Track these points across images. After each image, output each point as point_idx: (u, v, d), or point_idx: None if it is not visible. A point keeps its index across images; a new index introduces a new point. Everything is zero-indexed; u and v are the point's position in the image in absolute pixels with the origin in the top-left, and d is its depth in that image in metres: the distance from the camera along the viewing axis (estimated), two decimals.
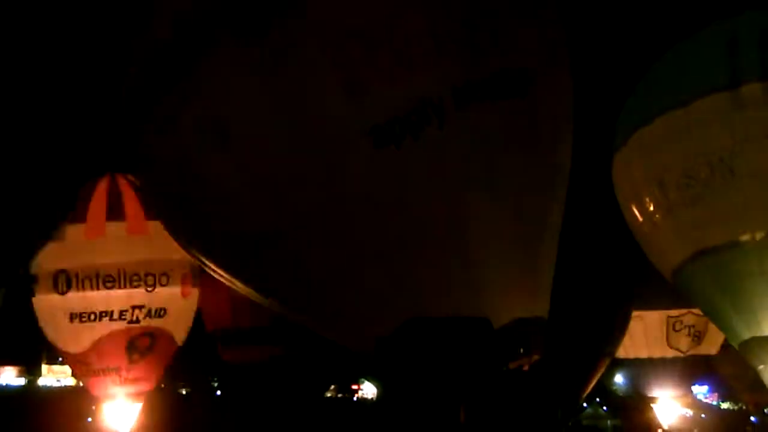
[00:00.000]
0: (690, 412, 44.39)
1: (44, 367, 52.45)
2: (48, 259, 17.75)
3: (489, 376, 9.01)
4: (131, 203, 17.73)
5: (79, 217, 17.90)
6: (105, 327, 17.71)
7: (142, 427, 19.53)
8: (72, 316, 17.66)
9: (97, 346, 17.81)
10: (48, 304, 17.97)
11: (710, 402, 50.05)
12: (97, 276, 17.53)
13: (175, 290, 18.17)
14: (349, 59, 8.52)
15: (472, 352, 8.87)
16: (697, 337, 21.65)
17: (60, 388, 49.31)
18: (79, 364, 18.70)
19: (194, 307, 19.07)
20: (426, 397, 8.99)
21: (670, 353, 21.98)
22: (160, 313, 18.07)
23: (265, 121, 8.76)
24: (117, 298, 17.64)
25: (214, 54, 8.95)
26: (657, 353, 22.09)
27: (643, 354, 22.24)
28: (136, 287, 17.68)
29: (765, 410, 32.22)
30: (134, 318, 17.85)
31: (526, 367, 9.35)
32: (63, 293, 17.63)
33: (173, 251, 13.38)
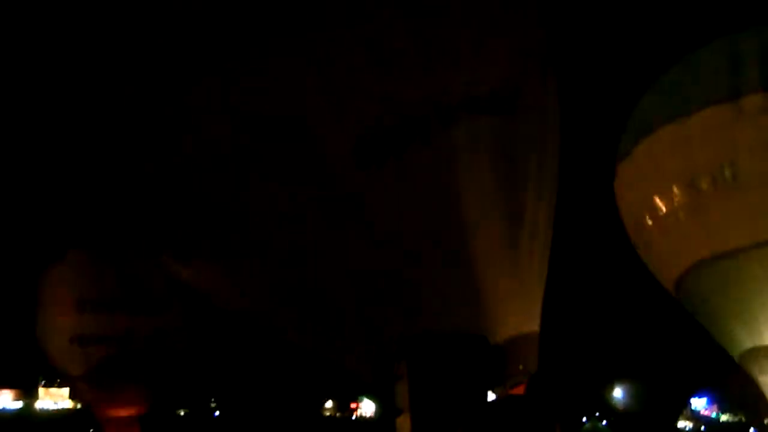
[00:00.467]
0: (689, 425, 44.31)
1: (41, 390, 52.22)
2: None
3: (487, 392, 9.02)
4: None
5: None
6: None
7: None
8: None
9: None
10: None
11: (709, 414, 49.94)
12: None
13: None
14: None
15: (471, 369, 8.86)
16: None
17: (57, 410, 49.12)
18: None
19: None
20: (428, 413, 8.98)
21: None
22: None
23: None
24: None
25: None
26: None
27: None
28: None
29: (765, 421, 32.20)
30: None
31: (522, 389, 9.37)
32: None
33: None
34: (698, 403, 46.10)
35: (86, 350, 17.42)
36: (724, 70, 12.61)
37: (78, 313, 17.31)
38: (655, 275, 14.40)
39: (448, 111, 8.61)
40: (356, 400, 49.17)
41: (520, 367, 9.39)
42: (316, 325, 9.69)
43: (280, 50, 8.54)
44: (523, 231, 9.42)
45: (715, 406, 49.48)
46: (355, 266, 8.99)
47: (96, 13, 9.01)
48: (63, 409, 48.62)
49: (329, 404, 49.75)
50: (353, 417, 49.99)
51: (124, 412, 18.27)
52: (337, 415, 50.25)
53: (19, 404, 51.99)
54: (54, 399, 51.57)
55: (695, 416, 45.75)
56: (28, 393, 52.28)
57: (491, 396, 9.21)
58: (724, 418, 49.72)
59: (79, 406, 42.52)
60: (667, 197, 13.05)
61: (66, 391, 48.22)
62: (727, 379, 25.37)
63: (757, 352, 12.91)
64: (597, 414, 44.88)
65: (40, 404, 51.92)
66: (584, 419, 38.79)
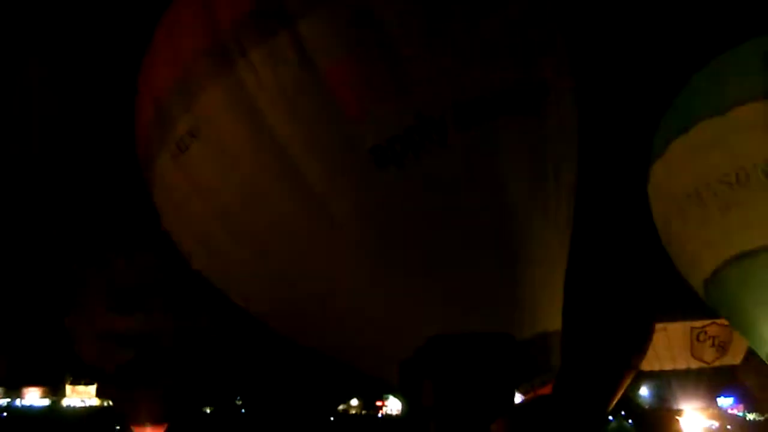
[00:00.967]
0: (716, 424, 44.07)
1: (68, 388, 52.62)
2: None
3: (514, 391, 9.02)
4: None
5: None
6: None
7: None
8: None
9: None
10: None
11: (736, 413, 49.59)
12: None
13: None
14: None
15: (497, 368, 8.86)
16: (722, 347, 21.58)
17: (84, 408, 49.50)
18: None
19: None
20: (452, 414, 8.99)
21: (695, 364, 21.88)
22: None
23: None
24: None
25: None
26: (682, 365, 22.00)
27: (668, 366, 22.15)
28: None
29: None
30: None
31: (549, 389, 9.37)
32: None
33: None
34: (725, 402, 45.81)
35: (118, 348, 17.53)
36: (758, 69, 12.62)
37: (112, 311, 17.42)
38: (684, 275, 14.37)
39: (466, 110, 8.60)
40: (382, 398, 49.19)
41: (546, 365, 9.40)
42: (335, 329, 9.68)
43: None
44: (545, 231, 9.41)
45: (741, 405, 49.16)
46: (374, 267, 8.99)
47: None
48: (90, 406, 49.00)
49: (355, 402, 49.79)
50: (379, 415, 50.02)
51: (150, 412, 18.41)
52: (363, 413, 50.29)
53: (47, 402, 52.39)
54: (81, 396, 51.92)
55: (722, 414, 45.48)
56: (55, 390, 52.66)
57: (518, 395, 9.22)
58: (750, 416, 49.39)
59: (106, 404, 42.87)
60: (699, 196, 13.05)
61: (93, 388, 48.55)
62: (755, 378, 25.23)
63: None
64: (623, 413, 44.69)
65: (67, 402, 52.29)
66: (610, 418, 38.62)
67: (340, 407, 47.99)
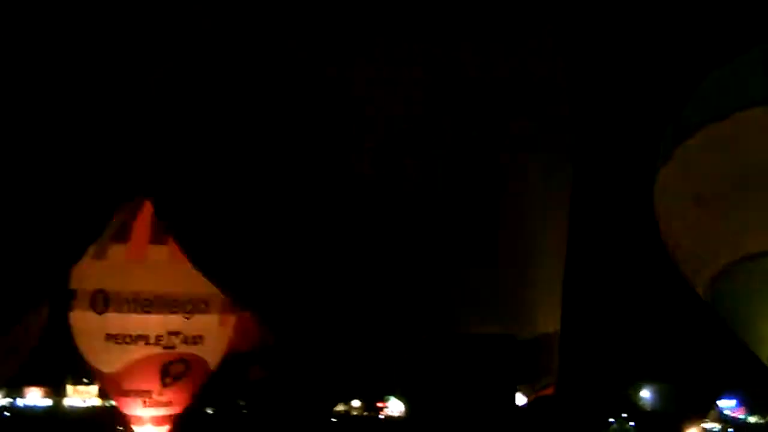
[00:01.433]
0: (717, 427, 44.01)
1: (69, 388, 52.64)
2: (87, 277, 17.63)
3: (516, 393, 9.05)
4: None
5: (122, 237, 17.79)
6: (140, 350, 17.72)
7: None
8: (107, 336, 17.78)
9: (130, 368, 17.90)
10: (84, 322, 18.06)
11: (737, 416, 49.61)
12: (136, 299, 17.52)
13: (213, 318, 18.06)
14: None
15: (499, 369, 8.89)
16: None
17: (86, 408, 49.53)
18: (110, 383, 18.75)
19: (230, 334, 18.88)
20: (456, 414, 9.01)
21: None
22: (197, 340, 18.00)
23: None
24: (154, 322, 17.61)
25: None
26: None
27: None
28: (174, 313, 17.63)
29: None
30: (170, 344, 17.84)
31: (551, 391, 9.40)
32: (100, 313, 17.70)
33: None
34: (726, 405, 45.82)
35: (122, 348, 17.53)
36: (759, 74, 12.72)
37: (114, 311, 17.41)
38: (687, 278, 14.40)
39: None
40: (383, 399, 49.14)
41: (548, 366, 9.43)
42: (342, 325, 9.73)
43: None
44: (543, 229, 9.46)
45: (743, 408, 49.16)
46: (381, 265, 9.04)
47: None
48: (92, 406, 49.01)
49: (356, 403, 49.73)
50: (381, 416, 49.97)
51: (157, 413, 18.43)
52: (365, 414, 50.24)
53: (48, 402, 52.43)
54: (82, 396, 51.92)
55: (723, 418, 45.45)
56: (56, 390, 52.70)
57: (519, 397, 9.24)
58: (752, 419, 49.40)
59: (107, 404, 42.85)
60: (704, 198, 13.10)
61: (94, 388, 48.51)
62: (756, 380, 25.25)
63: None
64: (624, 415, 44.73)
65: (68, 402, 52.32)
66: (611, 420, 38.69)
67: (342, 408, 47.95)
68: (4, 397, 50.54)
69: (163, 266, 17.49)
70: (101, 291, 17.62)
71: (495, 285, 8.86)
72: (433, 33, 8.63)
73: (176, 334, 17.71)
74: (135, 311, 17.50)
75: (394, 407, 50.52)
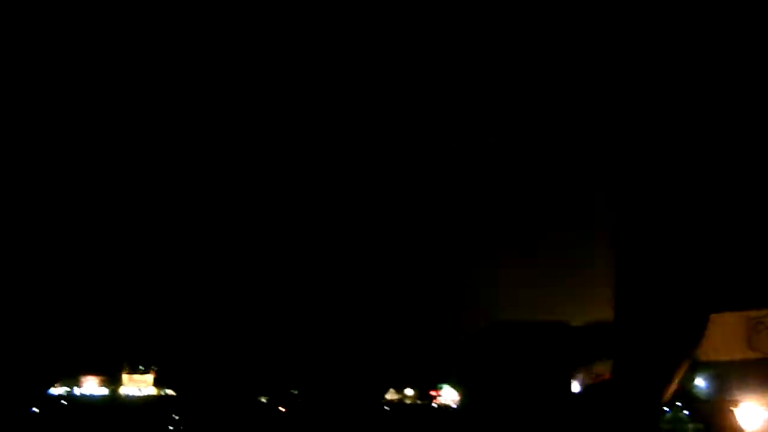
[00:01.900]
0: None
1: (125, 377, 53.29)
2: None
3: (571, 379, 9.08)
4: None
5: None
6: None
7: None
8: None
9: None
10: None
11: None
12: None
13: None
14: None
15: (553, 355, 8.94)
16: None
17: (142, 397, 50.10)
18: None
19: None
20: (512, 400, 9.09)
21: (753, 355, 21.64)
22: None
23: None
24: None
25: None
26: (738, 356, 21.77)
27: (724, 357, 21.93)
28: None
29: None
30: None
31: (607, 376, 9.41)
32: None
33: None
34: None
35: None
36: None
37: None
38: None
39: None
40: (436, 387, 49.22)
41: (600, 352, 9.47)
42: (394, 315, 9.84)
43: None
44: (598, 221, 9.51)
45: None
46: (430, 259, 9.13)
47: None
48: (148, 395, 49.57)
49: (409, 392, 49.84)
50: (434, 405, 50.00)
51: None
52: (418, 402, 50.39)
53: (105, 390, 53.07)
54: (137, 385, 52.54)
55: None
56: (112, 379, 53.32)
57: (575, 384, 9.28)
58: None
59: (163, 392, 43.43)
60: None
61: (150, 377, 49.16)
62: None
63: None
64: (678, 404, 44.21)
65: (124, 390, 52.94)
66: (666, 408, 38.27)
67: (396, 397, 48.10)
68: (61, 385, 51.30)
69: None
70: None
71: (545, 275, 8.93)
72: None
73: None
74: None
75: (447, 395, 50.59)
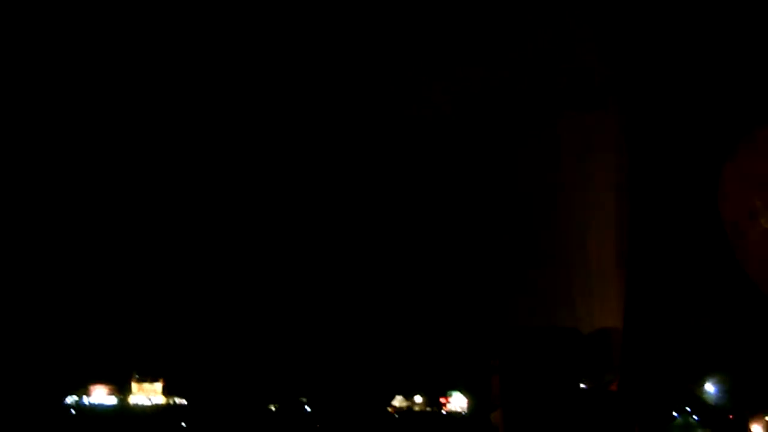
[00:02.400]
0: None
1: (134, 386, 53.29)
2: None
3: (579, 385, 9.09)
4: None
5: None
6: None
7: None
8: None
9: None
10: None
11: None
12: None
13: None
14: None
15: (564, 361, 8.95)
16: None
17: (152, 406, 50.08)
18: None
19: None
20: (521, 406, 9.10)
21: None
22: None
23: None
24: None
25: None
26: None
27: None
28: None
29: None
30: None
31: (614, 386, 9.42)
32: None
33: None
34: None
35: None
36: None
37: None
38: (754, 278, 14.28)
39: (549, 106, 8.76)
40: (446, 395, 49.15)
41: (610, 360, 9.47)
42: (404, 321, 9.87)
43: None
44: (607, 227, 9.54)
45: None
46: (445, 265, 9.14)
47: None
48: (157, 404, 49.55)
49: (418, 399, 49.79)
50: (443, 412, 49.90)
51: None
52: (427, 410, 50.34)
53: (114, 399, 53.05)
54: (147, 394, 52.52)
55: None
56: (121, 388, 53.31)
57: (584, 390, 9.27)
58: None
59: (172, 401, 43.46)
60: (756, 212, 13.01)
61: (159, 386, 49.13)
62: None
63: None
64: (689, 409, 44.11)
65: (133, 399, 52.91)
66: (676, 414, 38.20)
67: (404, 404, 48.08)
68: (71, 395, 51.30)
69: None
70: None
71: (554, 281, 8.95)
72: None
73: None
74: None
75: (457, 402, 50.48)
